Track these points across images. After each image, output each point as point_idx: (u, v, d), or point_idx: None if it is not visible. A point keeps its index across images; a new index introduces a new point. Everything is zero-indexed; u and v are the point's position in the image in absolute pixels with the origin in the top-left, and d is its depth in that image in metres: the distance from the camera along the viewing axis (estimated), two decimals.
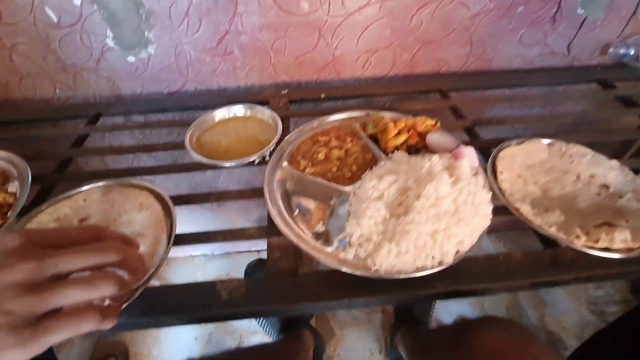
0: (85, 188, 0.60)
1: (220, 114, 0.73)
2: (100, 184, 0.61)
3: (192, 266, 1.50)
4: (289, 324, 1.08)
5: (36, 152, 0.73)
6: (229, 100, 0.81)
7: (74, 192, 0.59)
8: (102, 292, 0.33)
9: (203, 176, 1.17)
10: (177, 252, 1.51)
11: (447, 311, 1.29)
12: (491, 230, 0.51)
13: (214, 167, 0.64)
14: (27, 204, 0.60)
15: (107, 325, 0.33)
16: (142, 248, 0.50)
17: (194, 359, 0.75)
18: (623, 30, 0.88)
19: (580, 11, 0.84)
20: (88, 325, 0.32)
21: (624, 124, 1.09)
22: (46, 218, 0.55)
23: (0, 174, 0.64)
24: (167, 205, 0.56)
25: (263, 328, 1.14)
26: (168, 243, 0.51)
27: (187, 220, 1.32)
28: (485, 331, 0.54)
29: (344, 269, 0.47)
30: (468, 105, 0.82)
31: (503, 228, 1.49)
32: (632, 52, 0.86)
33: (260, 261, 1.20)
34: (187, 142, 0.65)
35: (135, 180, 0.61)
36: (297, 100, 0.86)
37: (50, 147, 0.79)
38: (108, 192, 0.59)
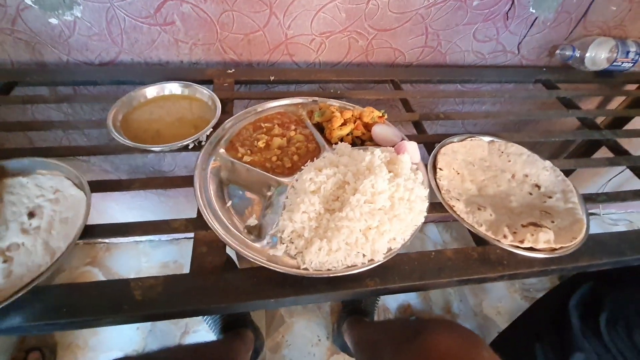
0: None
1: (152, 91, 0.66)
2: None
3: (136, 253, 1.41)
4: (231, 322, 1.05)
5: None
6: (170, 77, 0.73)
7: None
8: None
9: (145, 158, 1.09)
10: (119, 237, 1.41)
11: (392, 296, 1.33)
12: (439, 220, 0.51)
13: (140, 151, 0.57)
14: None
15: None
16: (37, 241, 0.44)
17: (132, 356, 0.70)
18: (571, 32, 0.91)
19: (532, 10, 0.85)
20: None
21: (564, 125, 1.15)
22: None
23: None
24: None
25: (207, 324, 1.10)
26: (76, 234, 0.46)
27: (130, 207, 1.23)
28: (437, 335, 0.54)
29: (272, 267, 0.44)
30: (419, 99, 0.81)
31: (451, 218, 1.55)
32: (577, 54, 0.90)
33: None
34: (109, 122, 0.58)
35: (54, 161, 0.54)
36: (244, 82, 0.80)
37: None
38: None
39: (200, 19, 0.77)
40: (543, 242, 0.48)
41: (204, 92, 0.67)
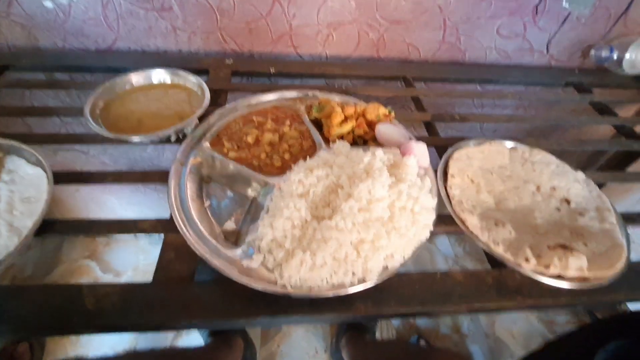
0: None
1: (137, 78, 0.61)
2: None
3: (135, 249, 1.38)
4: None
5: None
6: (165, 66, 0.68)
7: None
8: None
9: (144, 152, 1.05)
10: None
11: None
12: (451, 232, 0.43)
13: (119, 142, 0.52)
14: None
15: None
16: None
17: (119, 354, 0.66)
18: (609, 31, 0.81)
19: (565, 4, 0.76)
20: None
21: (596, 133, 1.04)
22: None
23: None
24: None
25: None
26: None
27: (130, 202, 1.20)
28: None
29: (244, 281, 0.38)
30: (433, 98, 0.73)
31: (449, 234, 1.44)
32: (615, 56, 0.80)
33: None
34: (86, 110, 0.53)
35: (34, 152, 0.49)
36: (242, 73, 0.75)
37: None
38: None
39: (199, 4, 0.72)
40: (574, 268, 0.39)
41: (192, 81, 0.61)
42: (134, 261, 1.36)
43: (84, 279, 1.29)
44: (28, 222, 0.42)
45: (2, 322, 0.35)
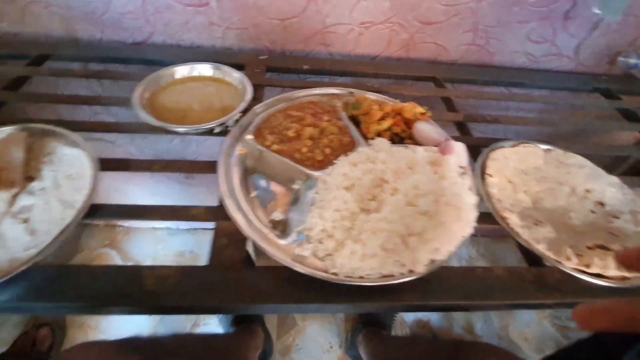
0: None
1: (182, 71, 0.63)
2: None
3: (153, 239, 1.40)
4: (243, 317, 1.01)
5: None
6: (199, 60, 0.70)
7: None
8: None
9: (170, 144, 1.07)
10: (139, 222, 1.41)
11: None
12: (489, 230, 0.45)
13: (165, 132, 0.54)
14: None
15: None
16: (49, 199, 0.42)
17: (143, 338, 0.68)
18: (637, 38, 0.82)
19: (596, 10, 0.77)
20: None
21: (620, 139, 1.04)
22: None
23: None
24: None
25: (217, 316, 1.07)
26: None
27: (153, 192, 1.22)
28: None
29: (297, 268, 0.39)
30: (464, 99, 0.74)
31: (480, 233, 1.45)
32: None
33: None
34: (134, 98, 0.55)
35: (71, 134, 0.51)
36: (276, 69, 0.76)
37: None
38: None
39: (237, 1, 0.73)
40: (614, 268, 0.41)
41: (234, 76, 0.63)
42: (152, 251, 1.38)
43: None
44: (77, 196, 0.44)
45: (79, 298, 0.37)
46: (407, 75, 0.79)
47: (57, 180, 0.46)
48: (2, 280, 0.36)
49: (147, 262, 1.33)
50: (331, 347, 1.17)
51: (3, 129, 0.50)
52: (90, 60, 0.79)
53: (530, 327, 1.27)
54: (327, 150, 0.53)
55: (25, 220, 0.42)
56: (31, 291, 0.38)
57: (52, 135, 0.51)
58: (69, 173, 0.46)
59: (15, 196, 0.44)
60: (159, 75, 0.61)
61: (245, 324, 0.99)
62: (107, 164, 0.49)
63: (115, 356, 0.49)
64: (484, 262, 1.39)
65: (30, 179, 0.46)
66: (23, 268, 0.38)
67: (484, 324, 1.27)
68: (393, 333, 1.13)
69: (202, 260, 1.30)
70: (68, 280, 0.39)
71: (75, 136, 0.50)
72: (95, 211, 0.44)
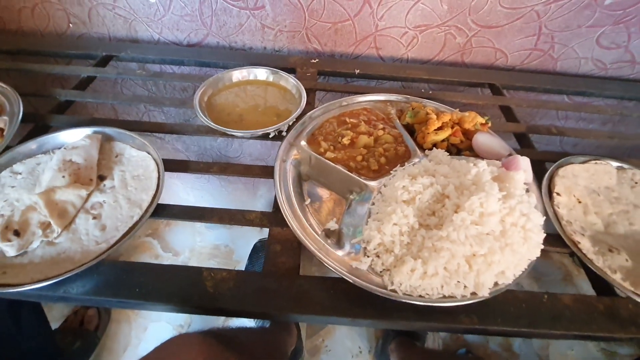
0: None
1: (239, 74, 0.64)
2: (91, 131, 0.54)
3: (191, 231, 1.46)
4: None
5: (35, 88, 0.66)
6: (253, 62, 0.71)
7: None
8: None
9: (214, 141, 1.10)
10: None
11: None
12: (559, 253, 0.42)
13: (223, 135, 0.55)
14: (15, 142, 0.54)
15: None
16: (117, 197, 0.45)
17: (217, 330, 0.72)
18: None
19: None
20: None
21: None
22: None
23: None
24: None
25: None
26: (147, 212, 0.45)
27: (193, 187, 1.27)
28: None
29: (356, 282, 0.39)
30: (525, 108, 0.70)
31: None
32: None
33: None
34: (196, 102, 0.57)
35: (137, 136, 0.54)
36: (327, 73, 0.76)
37: (53, 85, 0.72)
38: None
39: (291, 4, 0.74)
40: None
41: (289, 81, 0.63)
42: (191, 242, 1.43)
43: (146, 255, 1.38)
44: (144, 196, 0.47)
45: (144, 296, 0.39)
46: (461, 81, 0.76)
47: (125, 180, 0.49)
48: (76, 271, 0.39)
49: (186, 253, 1.39)
50: (360, 351, 1.16)
51: (79, 129, 0.53)
52: (149, 61, 0.83)
53: (573, 349, 1.19)
54: (382, 160, 0.52)
55: (96, 217, 0.45)
56: (100, 285, 0.40)
57: (121, 137, 0.54)
58: (136, 174, 0.49)
59: (90, 193, 0.46)
60: (217, 79, 0.62)
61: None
62: (167, 166, 0.51)
63: (210, 347, 0.50)
64: (527, 279, 1.32)
65: (101, 177, 0.49)
66: (95, 261, 0.40)
67: (522, 342, 1.20)
68: (426, 344, 1.11)
69: (236, 254, 1.34)
70: (133, 276, 0.41)
71: (142, 139, 0.53)
72: (160, 210, 0.46)
